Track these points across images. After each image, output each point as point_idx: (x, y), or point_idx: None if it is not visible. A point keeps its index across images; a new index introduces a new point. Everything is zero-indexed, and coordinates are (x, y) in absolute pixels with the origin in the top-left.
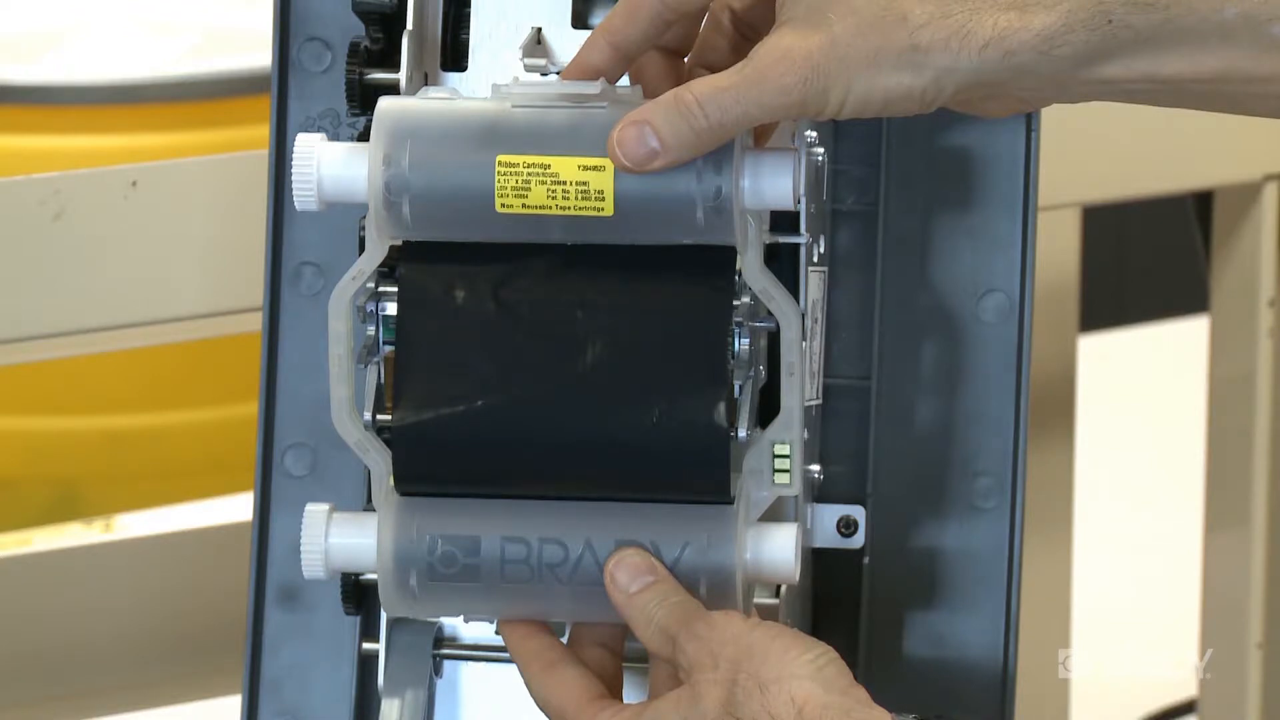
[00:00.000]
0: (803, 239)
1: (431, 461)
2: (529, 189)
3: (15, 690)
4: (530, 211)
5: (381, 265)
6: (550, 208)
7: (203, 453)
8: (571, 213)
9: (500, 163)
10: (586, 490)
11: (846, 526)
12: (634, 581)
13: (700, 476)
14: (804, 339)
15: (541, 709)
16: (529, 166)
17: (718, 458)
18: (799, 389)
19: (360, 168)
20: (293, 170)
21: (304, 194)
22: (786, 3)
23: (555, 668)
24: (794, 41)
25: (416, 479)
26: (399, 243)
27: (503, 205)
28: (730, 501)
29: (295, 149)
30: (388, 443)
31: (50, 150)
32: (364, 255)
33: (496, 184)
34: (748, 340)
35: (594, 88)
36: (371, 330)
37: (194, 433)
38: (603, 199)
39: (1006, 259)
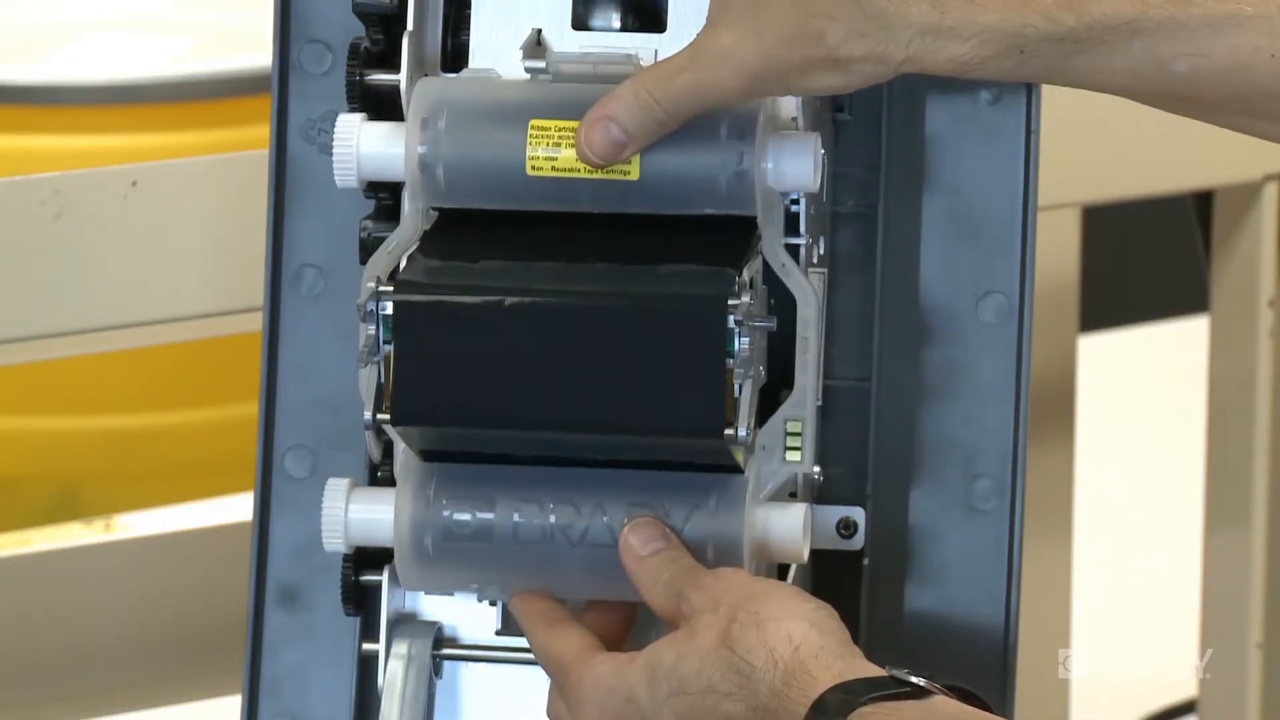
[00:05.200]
0: (803, 239)
1: (432, 400)
2: (559, 152)
3: (15, 690)
4: (560, 174)
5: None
6: (579, 170)
7: (203, 453)
8: (599, 176)
9: (533, 126)
10: (595, 461)
11: (846, 528)
12: (646, 545)
13: (701, 440)
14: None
15: (543, 666)
16: (560, 130)
17: (716, 417)
18: (814, 365)
19: (398, 147)
20: (334, 148)
21: (344, 171)
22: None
23: (557, 625)
24: (731, 42)
25: (415, 416)
26: (430, 225)
27: (533, 168)
28: (739, 469)
29: (337, 128)
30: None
31: (50, 150)
32: (400, 226)
33: (528, 147)
34: (748, 340)
35: (629, 64)
36: (372, 329)
37: (194, 433)
38: (629, 163)
39: (1006, 259)
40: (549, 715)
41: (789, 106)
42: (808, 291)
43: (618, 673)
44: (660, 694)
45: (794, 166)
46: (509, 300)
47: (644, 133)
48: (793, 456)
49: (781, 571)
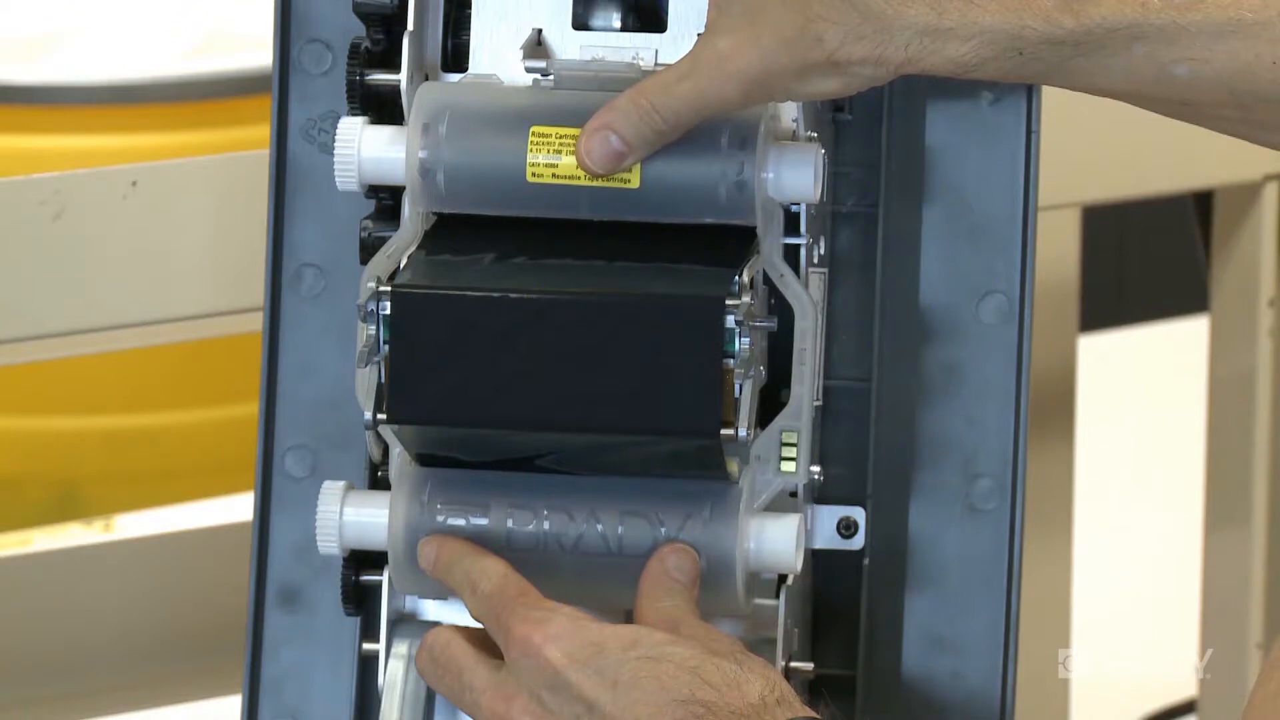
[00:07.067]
0: (803, 240)
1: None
2: (560, 159)
3: (15, 690)
4: (560, 181)
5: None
6: (579, 178)
7: (203, 453)
8: (599, 183)
9: (534, 133)
10: (589, 470)
11: (847, 528)
12: (677, 570)
13: (692, 444)
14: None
15: (489, 593)
16: (561, 138)
17: (710, 430)
18: (810, 377)
19: (399, 151)
20: (335, 152)
21: (345, 175)
22: (719, 3)
23: (489, 555)
24: (729, 49)
25: (412, 414)
26: (431, 223)
27: (533, 175)
28: (729, 479)
29: (338, 131)
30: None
31: (50, 150)
32: (401, 229)
33: (529, 154)
34: (749, 340)
35: (632, 71)
36: (372, 330)
37: (194, 433)
38: (629, 170)
39: (1006, 259)
40: (443, 654)
41: (789, 110)
42: (805, 303)
43: (597, 621)
44: (634, 653)
45: (794, 177)
46: (506, 298)
47: (643, 143)
48: (787, 468)
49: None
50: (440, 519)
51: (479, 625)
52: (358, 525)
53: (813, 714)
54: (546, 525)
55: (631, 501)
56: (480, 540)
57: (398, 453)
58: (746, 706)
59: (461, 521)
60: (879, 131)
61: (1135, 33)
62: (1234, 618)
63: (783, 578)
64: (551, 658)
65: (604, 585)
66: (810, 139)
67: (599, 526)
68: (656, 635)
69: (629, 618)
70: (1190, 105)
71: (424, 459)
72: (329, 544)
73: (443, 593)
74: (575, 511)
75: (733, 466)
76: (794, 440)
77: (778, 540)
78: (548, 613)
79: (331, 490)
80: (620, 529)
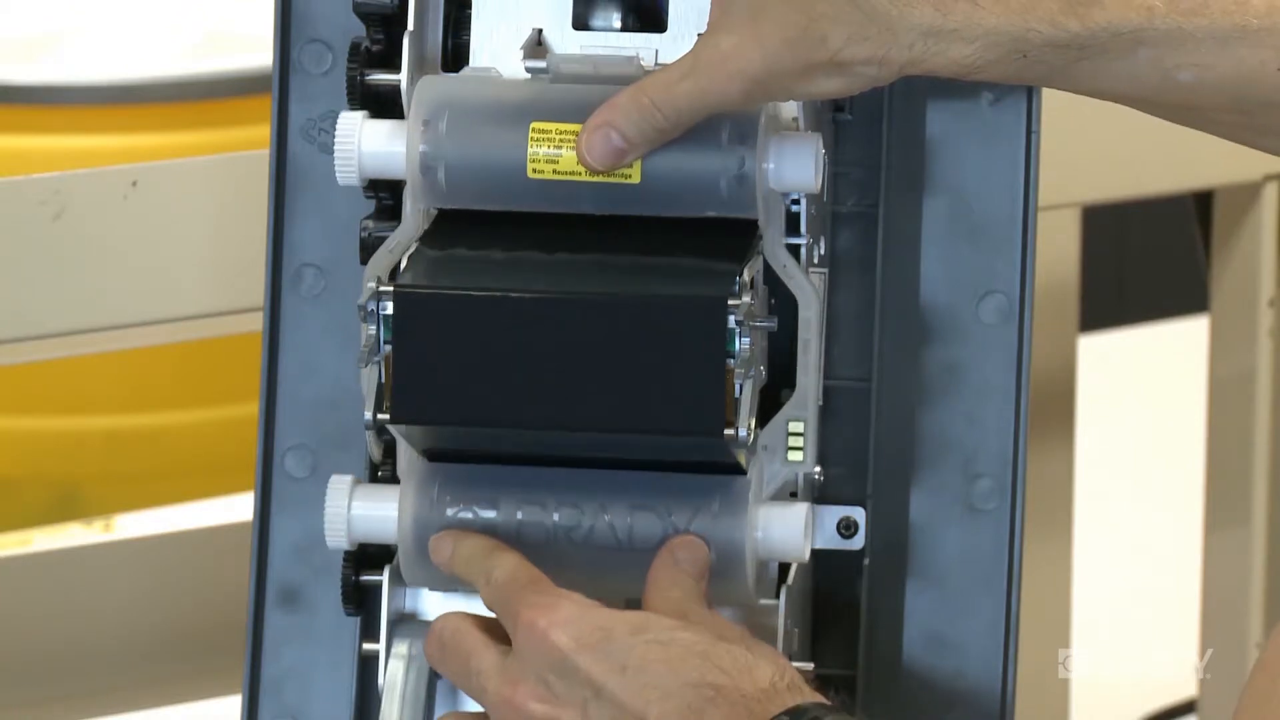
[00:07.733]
0: (803, 240)
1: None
2: (560, 155)
3: (15, 690)
4: (561, 177)
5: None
6: (580, 173)
7: (203, 453)
8: (600, 179)
9: (534, 129)
10: (597, 459)
11: (847, 528)
12: (689, 563)
13: (702, 443)
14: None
15: (500, 583)
16: (561, 133)
17: (716, 423)
18: (815, 367)
19: (399, 145)
20: (335, 146)
21: (345, 169)
22: (722, 1)
23: (505, 551)
24: (731, 48)
25: (414, 414)
26: (433, 217)
27: (534, 170)
28: (740, 470)
29: (339, 126)
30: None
31: (50, 150)
32: (401, 226)
33: (529, 149)
34: (749, 340)
35: (632, 66)
36: (372, 329)
37: (194, 433)
38: (630, 166)
39: (1006, 259)
40: (454, 646)
41: (789, 108)
42: (809, 292)
43: (605, 607)
44: (643, 637)
45: (795, 167)
46: (509, 298)
47: (644, 140)
48: (794, 457)
49: (783, 571)
50: (450, 513)
51: (489, 614)
52: (366, 520)
53: (823, 700)
54: (556, 518)
55: (640, 495)
56: (490, 534)
57: (405, 447)
58: (757, 691)
59: (471, 515)
60: (879, 131)
61: (1140, 37)
62: (1234, 618)
63: (783, 578)
64: (558, 642)
65: (614, 578)
66: None
67: (608, 519)
68: (665, 620)
69: (637, 608)
70: (1193, 110)
71: (432, 454)
72: (337, 539)
73: (451, 584)
74: (584, 505)
75: (743, 458)
76: (801, 430)
77: (786, 527)
78: (555, 598)
79: (339, 485)
80: (630, 522)
